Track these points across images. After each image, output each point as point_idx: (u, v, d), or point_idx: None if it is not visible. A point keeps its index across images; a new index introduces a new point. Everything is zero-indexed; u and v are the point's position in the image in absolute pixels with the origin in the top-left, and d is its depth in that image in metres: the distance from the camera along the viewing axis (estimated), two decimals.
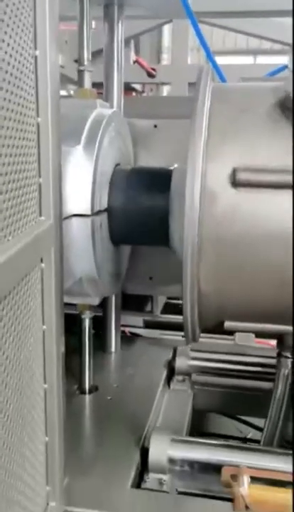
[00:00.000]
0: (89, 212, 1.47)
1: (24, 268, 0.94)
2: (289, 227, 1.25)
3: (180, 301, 2.89)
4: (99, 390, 1.95)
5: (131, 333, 2.49)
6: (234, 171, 1.27)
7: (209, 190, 1.29)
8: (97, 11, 1.99)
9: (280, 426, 1.70)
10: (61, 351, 1.20)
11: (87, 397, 1.90)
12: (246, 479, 1.38)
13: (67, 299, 1.56)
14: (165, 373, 2.11)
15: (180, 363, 2.14)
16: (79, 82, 1.76)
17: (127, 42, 3.66)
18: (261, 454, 1.50)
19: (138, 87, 4.25)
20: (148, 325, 2.51)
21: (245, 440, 2.65)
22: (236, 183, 1.27)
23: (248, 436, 2.69)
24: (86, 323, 1.85)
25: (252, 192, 1.27)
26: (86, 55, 1.75)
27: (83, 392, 1.92)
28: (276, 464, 1.45)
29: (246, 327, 1.48)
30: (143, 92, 4.38)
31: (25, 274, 0.96)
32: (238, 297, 1.37)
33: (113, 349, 2.27)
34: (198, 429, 2.51)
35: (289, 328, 1.41)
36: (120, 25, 1.97)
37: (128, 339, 2.42)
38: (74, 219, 1.47)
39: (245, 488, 1.35)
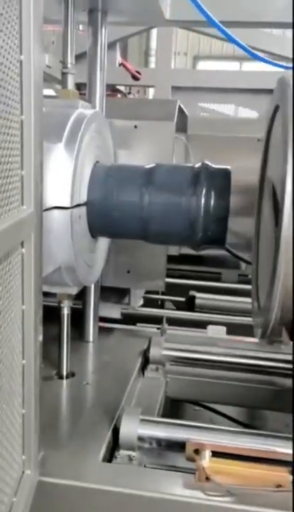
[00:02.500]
0: (68, 204, 1.57)
1: (5, 248, 1.05)
2: None
3: (157, 296, 3.02)
4: (76, 375, 2.05)
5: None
6: None
7: None
8: (82, 16, 2.10)
9: None
10: (38, 331, 1.30)
11: (65, 382, 2.00)
12: (207, 453, 1.50)
13: (46, 288, 1.67)
14: (139, 362, 2.23)
15: (154, 352, 2.25)
16: (63, 84, 1.87)
17: (113, 45, 3.77)
18: (223, 432, 1.62)
19: (123, 88, 4.36)
20: (125, 317, 2.63)
21: None
22: None
23: None
24: (65, 311, 1.95)
25: None
26: (70, 59, 1.85)
27: (61, 377, 2.02)
28: (237, 441, 1.57)
29: None
30: (129, 93, 4.50)
31: (6, 254, 1.06)
32: None
33: (91, 339, 2.38)
34: (172, 418, 2.63)
35: None
36: (103, 30, 2.08)
37: (105, 330, 2.52)
38: (55, 211, 1.58)
39: (206, 461, 1.47)
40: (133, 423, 1.62)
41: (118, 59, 3.98)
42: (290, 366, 2.27)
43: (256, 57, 2.69)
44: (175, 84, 4.17)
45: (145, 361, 2.29)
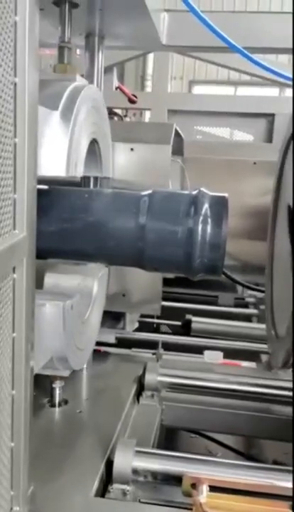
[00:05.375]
0: (63, 173, 1.51)
1: None
2: None
3: (152, 320, 2.98)
4: (69, 403, 1.99)
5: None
6: None
7: None
8: (79, 40, 2.11)
9: None
10: (30, 358, 1.25)
11: (57, 410, 1.94)
12: (205, 488, 1.44)
13: (37, 370, 1.62)
14: (134, 388, 2.17)
15: (149, 378, 2.19)
16: (60, 58, 1.79)
17: (110, 69, 3.80)
18: (221, 465, 1.55)
19: (120, 112, 4.39)
20: (120, 342, 2.57)
21: None
22: None
23: (219, 455, 2.74)
24: (57, 391, 1.95)
25: None
26: (67, 34, 1.77)
27: (53, 405, 1.95)
28: (235, 474, 1.51)
29: None
30: (125, 116, 4.53)
31: None
32: None
33: (84, 364, 2.32)
34: (168, 447, 2.56)
35: None
36: (100, 54, 2.09)
37: (100, 355, 2.46)
38: (47, 305, 1.58)
39: (204, 497, 1.41)
40: (128, 455, 1.55)
41: (115, 83, 4.01)
42: (288, 394, 2.22)
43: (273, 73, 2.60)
44: (171, 108, 4.21)
45: (140, 387, 2.23)
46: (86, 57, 2.08)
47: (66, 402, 1.99)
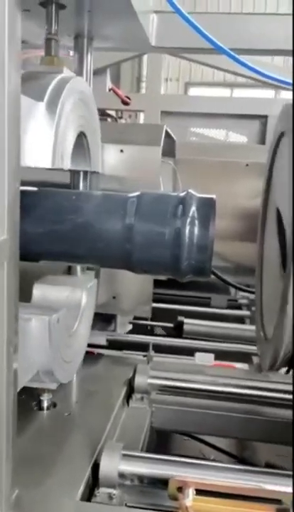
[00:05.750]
0: (49, 164, 1.49)
1: None
2: None
3: (144, 322, 2.96)
4: (58, 406, 1.98)
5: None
6: None
7: None
8: (68, 41, 2.10)
9: None
10: (12, 362, 1.24)
11: (45, 413, 1.92)
12: (191, 491, 1.43)
13: (23, 384, 1.60)
14: (124, 391, 2.16)
15: (139, 380, 2.18)
16: (47, 51, 1.75)
17: (103, 70, 3.80)
18: (209, 467, 1.54)
19: (114, 113, 4.39)
20: (111, 344, 2.56)
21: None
22: None
23: (212, 458, 2.73)
24: (45, 404, 1.94)
25: None
26: (54, 26, 1.74)
27: (41, 408, 1.94)
28: (223, 477, 1.50)
29: None
30: (120, 118, 4.53)
31: None
32: None
33: (73, 377, 2.30)
34: (160, 450, 2.55)
35: None
36: (89, 55, 2.08)
37: (91, 357, 2.45)
38: (33, 320, 1.56)
39: (189, 500, 1.40)
40: (114, 458, 1.54)
41: (109, 84, 4.00)
42: (280, 396, 2.21)
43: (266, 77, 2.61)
44: (165, 109, 4.21)
45: (131, 390, 2.22)
46: (76, 59, 2.08)
47: (55, 405, 1.98)
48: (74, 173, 2.00)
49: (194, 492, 1.43)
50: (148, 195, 1.72)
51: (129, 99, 3.88)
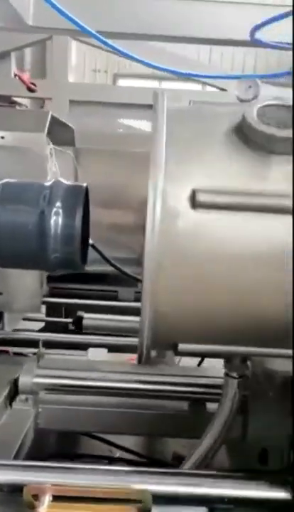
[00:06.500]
0: None
1: None
2: (244, 247, 1.29)
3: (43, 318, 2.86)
4: None
5: None
6: (193, 192, 1.29)
7: (170, 208, 1.29)
8: None
9: (215, 449, 1.66)
10: None
11: None
12: (47, 498, 1.34)
13: None
14: (5, 392, 2.03)
15: (23, 380, 2.07)
16: None
17: (6, 54, 3.63)
18: (69, 471, 1.47)
19: (24, 101, 4.20)
20: (1, 342, 2.43)
21: (114, 460, 2.63)
22: (194, 204, 1.29)
23: (117, 456, 2.67)
24: None
25: (211, 213, 1.29)
26: None
27: None
28: (84, 480, 1.43)
29: (201, 349, 1.47)
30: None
31: None
32: (194, 317, 1.37)
33: None
34: (64, 450, 2.46)
35: (243, 348, 1.43)
36: None
37: None
38: None
39: (44, 508, 1.31)
40: None
41: (14, 69, 3.83)
42: (180, 389, 2.16)
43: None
44: (73, 98, 4.07)
45: (16, 391, 2.10)
46: None
47: None
48: None
49: (51, 498, 1.34)
50: (12, 184, 1.60)
51: (34, 85, 3.72)
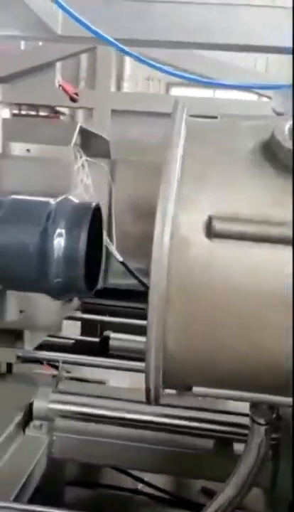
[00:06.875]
0: None
1: None
2: (264, 284, 1.10)
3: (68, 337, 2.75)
4: None
5: None
6: (210, 220, 1.12)
7: (181, 237, 1.12)
8: None
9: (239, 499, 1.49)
10: None
11: None
12: None
13: None
14: (19, 417, 1.94)
15: (38, 405, 1.97)
16: None
17: (50, 65, 3.61)
18: None
19: (66, 111, 4.18)
20: (23, 361, 2.35)
21: (137, 493, 2.48)
22: (210, 233, 1.12)
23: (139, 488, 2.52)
24: None
25: (228, 243, 1.12)
26: None
27: None
28: None
29: (218, 394, 1.28)
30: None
31: None
32: (206, 357, 1.19)
33: None
34: (84, 478, 2.36)
35: (265, 396, 1.24)
36: None
37: None
38: None
39: None
40: None
41: (59, 80, 3.81)
42: (205, 426, 1.98)
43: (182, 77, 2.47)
44: (115, 108, 3.97)
45: (30, 416, 2.00)
46: None
47: None
48: None
49: None
50: (18, 200, 1.50)
51: (77, 95, 3.67)
